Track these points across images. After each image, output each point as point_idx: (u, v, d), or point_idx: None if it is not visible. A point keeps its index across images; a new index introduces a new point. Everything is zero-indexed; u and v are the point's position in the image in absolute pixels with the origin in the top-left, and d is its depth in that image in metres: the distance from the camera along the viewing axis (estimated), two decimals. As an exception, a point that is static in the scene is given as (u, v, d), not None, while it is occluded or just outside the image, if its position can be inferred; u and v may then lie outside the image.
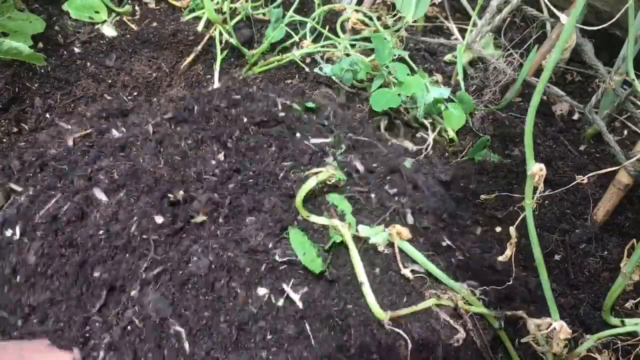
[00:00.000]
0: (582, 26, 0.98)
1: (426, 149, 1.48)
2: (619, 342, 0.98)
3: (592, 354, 0.98)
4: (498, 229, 1.22)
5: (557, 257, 1.30)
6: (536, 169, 0.84)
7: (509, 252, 0.98)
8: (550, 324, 0.92)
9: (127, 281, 0.98)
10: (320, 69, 1.62)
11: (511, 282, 1.02)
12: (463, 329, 0.97)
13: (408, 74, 1.59)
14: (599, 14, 1.81)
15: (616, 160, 1.41)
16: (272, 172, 1.17)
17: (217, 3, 1.80)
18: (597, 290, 1.23)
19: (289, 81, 1.66)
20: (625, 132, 1.71)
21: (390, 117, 1.57)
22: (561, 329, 0.91)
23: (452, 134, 1.54)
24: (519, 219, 0.92)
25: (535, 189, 0.86)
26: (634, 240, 0.98)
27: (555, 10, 0.84)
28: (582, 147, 1.61)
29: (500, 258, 0.99)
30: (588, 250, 1.31)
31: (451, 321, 0.97)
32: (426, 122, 1.53)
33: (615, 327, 1.04)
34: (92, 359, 0.91)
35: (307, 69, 1.72)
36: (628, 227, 1.37)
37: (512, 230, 0.96)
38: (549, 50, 1.69)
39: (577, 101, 1.65)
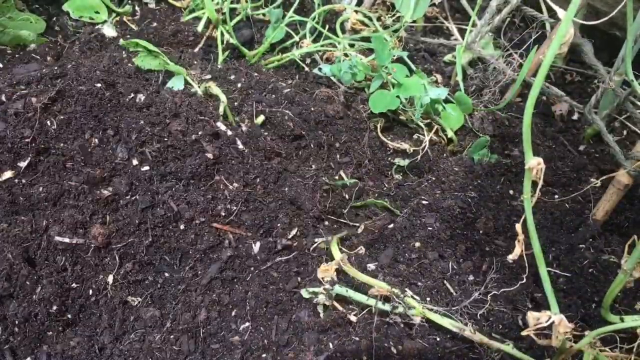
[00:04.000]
0: (580, 21, 0.97)
1: (423, 149, 1.48)
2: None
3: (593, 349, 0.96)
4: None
5: (555, 256, 1.30)
6: (534, 163, 0.82)
7: (518, 249, 0.94)
8: (550, 317, 0.90)
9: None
10: (320, 69, 1.62)
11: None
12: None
13: (407, 76, 1.58)
14: (598, 14, 1.81)
15: (615, 161, 1.41)
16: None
17: (217, 3, 1.80)
18: (597, 289, 1.23)
19: (290, 81, 1.66)
20: (625, 132, 1.71)
21: (388, 117, 1.57)
22: (560, 322, 0.88)
23: (450, 134, 1.54)
24: (523, 217, 0.90)
25: (534, 184, 0.84)
26: (635, 236, 0.97)
27: (552, 5, 0.83)
28: (581, 147, 1.61)
29: (509, 257, 0.95)
30: (588, 250, 1.31)
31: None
32: (421, 124, 1.53)
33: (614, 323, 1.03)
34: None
35: (307, 69, 1.72)
36: (628, 227, 1.37)
37: (518, 227, 0.93)
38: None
39: (577, 101, 1.65)
